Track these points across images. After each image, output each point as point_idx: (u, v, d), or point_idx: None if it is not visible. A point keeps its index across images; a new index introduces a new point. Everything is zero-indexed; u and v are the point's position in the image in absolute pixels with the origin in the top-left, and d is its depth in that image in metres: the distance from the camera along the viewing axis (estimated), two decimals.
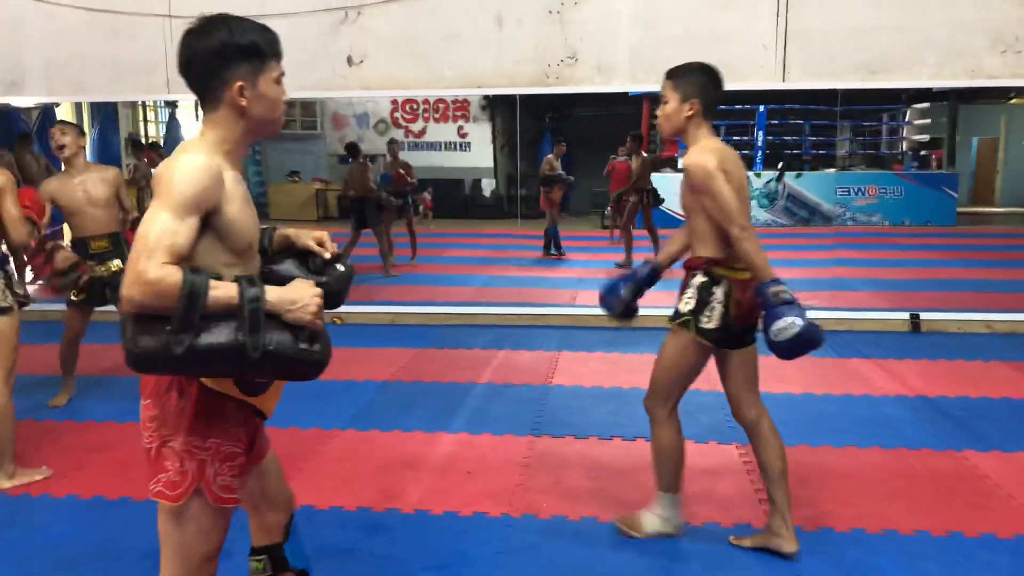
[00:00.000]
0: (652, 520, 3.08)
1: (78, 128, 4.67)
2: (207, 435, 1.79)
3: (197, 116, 15.73)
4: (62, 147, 4.49)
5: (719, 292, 2.76)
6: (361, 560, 2.93)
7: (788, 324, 2.52)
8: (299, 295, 1.71)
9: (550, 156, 11.20)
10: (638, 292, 3.09)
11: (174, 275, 1.58)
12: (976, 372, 5.35)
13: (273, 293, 1.68)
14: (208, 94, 1.78)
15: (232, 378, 1.78)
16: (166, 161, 1.73)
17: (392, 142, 10.70)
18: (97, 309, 4.88)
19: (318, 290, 1.75)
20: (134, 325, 1.60)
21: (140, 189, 11.24)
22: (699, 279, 2.81)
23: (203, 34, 1.75)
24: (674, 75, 2.82)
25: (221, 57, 1.74)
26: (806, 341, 2.54)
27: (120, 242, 4.82)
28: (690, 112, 2.78)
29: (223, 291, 1.63)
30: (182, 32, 1.78)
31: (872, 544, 3.03)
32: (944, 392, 4.87)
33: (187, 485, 1.78)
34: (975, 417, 4.44)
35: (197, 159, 1.70)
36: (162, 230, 1.62)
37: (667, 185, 15.53)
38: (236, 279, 1.68)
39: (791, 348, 2.57)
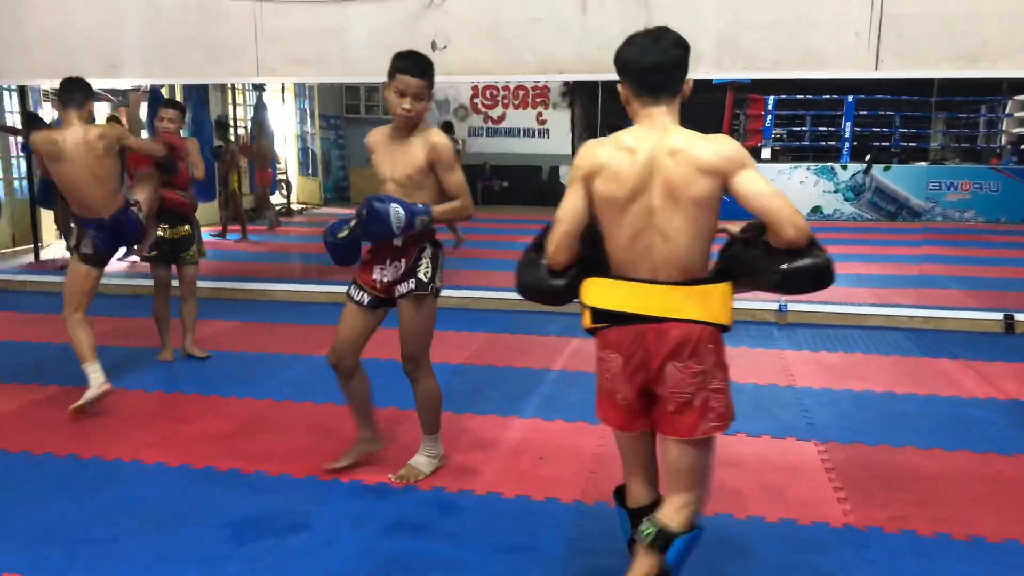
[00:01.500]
0: (426, 461, 3.50)
1: (181, 110, 5.18)
2: (727, 365, 2.22)
3: (283, 100, 16.10)
4: (168, 131, 5.01)
5: (440, 256, 3.38)
6: (434, 537, 2.98)
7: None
8: None
9: None
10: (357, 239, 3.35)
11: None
12: None
13: None
14: (678, 88, 2.19)
15: None
16: (696, 143, 2.10)
17: (447, 124, 10.80)
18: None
19: None
20: (789, 258, 2.08)
21: (227, 167, 11.60)
22: (430, 250, 3.33)
23: (679, 41, 2.18)
24: (432, 78, 3.19)
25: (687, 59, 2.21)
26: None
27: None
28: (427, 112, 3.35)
29: None
30: (655, 36, 2.17)
31: (957, 550, 2.92)
32: None
33: (730, 411, 2.22)
34: None
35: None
36: (780, 193, 2.08)
37: None
38: None
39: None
